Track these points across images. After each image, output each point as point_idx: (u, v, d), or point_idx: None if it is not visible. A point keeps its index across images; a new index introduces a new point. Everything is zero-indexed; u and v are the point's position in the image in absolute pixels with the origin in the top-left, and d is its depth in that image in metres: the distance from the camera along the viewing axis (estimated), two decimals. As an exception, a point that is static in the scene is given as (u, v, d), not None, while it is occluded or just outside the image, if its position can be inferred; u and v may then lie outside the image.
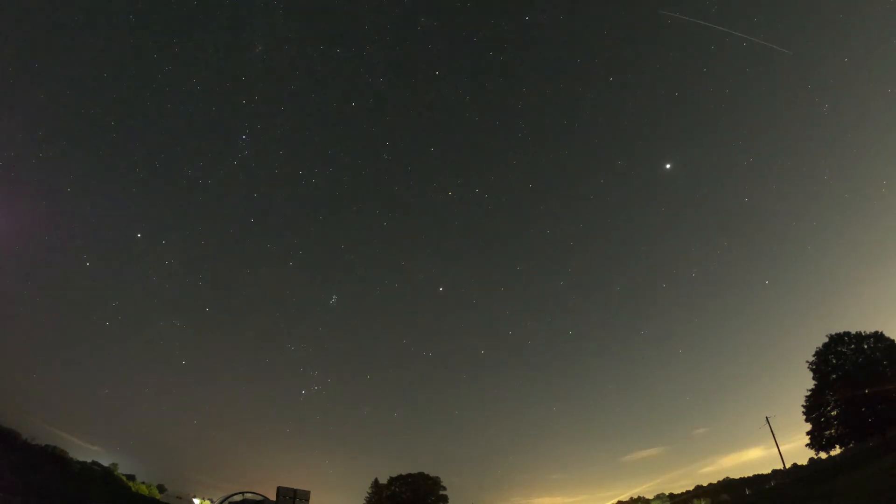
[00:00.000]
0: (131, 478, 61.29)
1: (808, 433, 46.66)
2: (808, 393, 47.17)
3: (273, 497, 62.86)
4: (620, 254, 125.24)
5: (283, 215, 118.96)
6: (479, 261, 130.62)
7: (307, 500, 65.50)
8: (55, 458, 45.74)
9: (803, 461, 72.47)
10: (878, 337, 44.72)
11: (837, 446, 45.78)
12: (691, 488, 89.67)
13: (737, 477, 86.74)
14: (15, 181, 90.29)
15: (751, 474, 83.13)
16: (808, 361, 47.72)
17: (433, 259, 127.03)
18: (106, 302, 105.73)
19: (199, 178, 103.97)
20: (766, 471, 76.70)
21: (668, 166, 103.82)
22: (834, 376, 45.20)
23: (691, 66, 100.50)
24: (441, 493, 78.00)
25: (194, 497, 70.67)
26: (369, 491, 79.47)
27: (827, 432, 45.13)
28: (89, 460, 59.93)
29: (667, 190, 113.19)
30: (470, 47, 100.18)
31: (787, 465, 58.89)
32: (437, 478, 78.57)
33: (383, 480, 79.12)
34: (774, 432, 50.84)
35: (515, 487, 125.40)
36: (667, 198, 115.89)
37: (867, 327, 46.26)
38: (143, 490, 58.88)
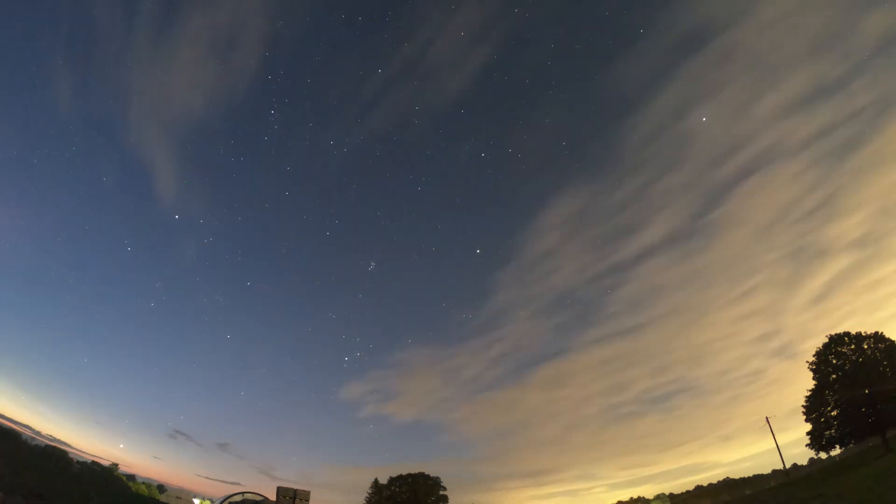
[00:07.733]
0: (131, 478, 61.29)
1: (808, 433, 46.65)
2: (808, 393, 47.17)
3: (273, 497, 62.78)
4: (657, 209, 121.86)
5: (316, 186, 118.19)
6: (515, 221, 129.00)
7: (307, 500, 65.36)
8: (55, 458, 45.70)
9: (803, 461, 72.68)
10: (878, 337, 44.64)
11: (837, 446, 45.74)
12: (691, 488, 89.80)
13: (737, 477, 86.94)
14: (50, 175, 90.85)
15: (751, 474, 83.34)
16: (808, 362, 47.78)
17: (469, 221, 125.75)
18: (149, 283, 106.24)
19: (232, 156, 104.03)
20: (766, 471, 76.88)
21: (703, 119, 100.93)
22: (834, 376, 45.14)
23: (722, 14, 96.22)
24: (441, 493, 77.92)
25: (194, 497, 70.64)
26: (369, 491, 79.38)
27: (827, 432, 45.09)
28: (89, 460, 60.01)
29: (700, 143, 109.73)
30: (495, 6, 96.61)
31: (787, 465, 58.92)
32: (437, 478, 78.56)
33: (383, 480, 79.15)
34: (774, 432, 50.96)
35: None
36: (700, 151, 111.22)
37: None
38: (143, 490, 58.86)
